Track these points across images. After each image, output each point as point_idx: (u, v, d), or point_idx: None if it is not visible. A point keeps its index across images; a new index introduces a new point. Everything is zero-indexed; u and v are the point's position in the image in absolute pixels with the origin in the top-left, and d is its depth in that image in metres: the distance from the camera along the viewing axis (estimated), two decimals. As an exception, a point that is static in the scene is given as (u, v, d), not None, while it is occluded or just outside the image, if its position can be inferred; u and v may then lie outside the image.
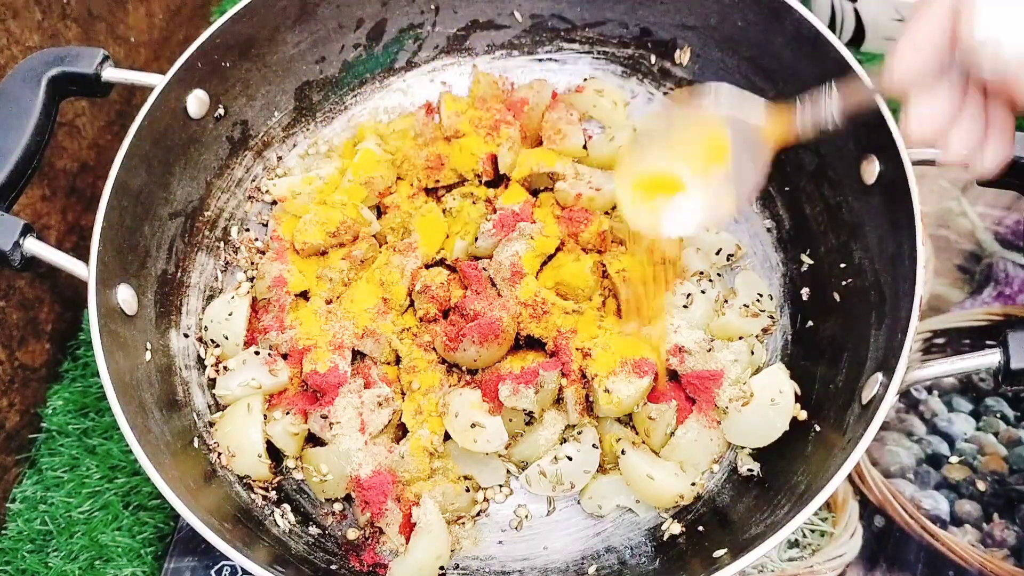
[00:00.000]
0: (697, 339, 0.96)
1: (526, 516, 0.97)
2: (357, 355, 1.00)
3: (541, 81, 1.16)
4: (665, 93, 1.15)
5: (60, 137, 1.12)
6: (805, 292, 1.02)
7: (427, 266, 1.05)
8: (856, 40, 1.32)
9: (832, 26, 1.32)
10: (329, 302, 1.03)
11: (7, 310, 1.05)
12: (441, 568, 0.91)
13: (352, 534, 0.94)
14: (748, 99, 0.78)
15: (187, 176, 1.03)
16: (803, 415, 0.92)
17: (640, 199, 0.82)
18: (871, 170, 0.90)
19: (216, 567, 0.99)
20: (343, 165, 1.13)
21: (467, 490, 0.95)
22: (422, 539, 0.88)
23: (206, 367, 1.01)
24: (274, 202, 1.12)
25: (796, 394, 0.93)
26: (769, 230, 1.09)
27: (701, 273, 1.02)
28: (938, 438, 1.05)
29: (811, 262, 1.02)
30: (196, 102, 1.00)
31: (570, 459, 0.94)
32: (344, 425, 0.92)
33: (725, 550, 0.82)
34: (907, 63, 0.64)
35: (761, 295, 1.03)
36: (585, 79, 1.18)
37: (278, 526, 0.92)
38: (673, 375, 0.96)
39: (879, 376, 0.80)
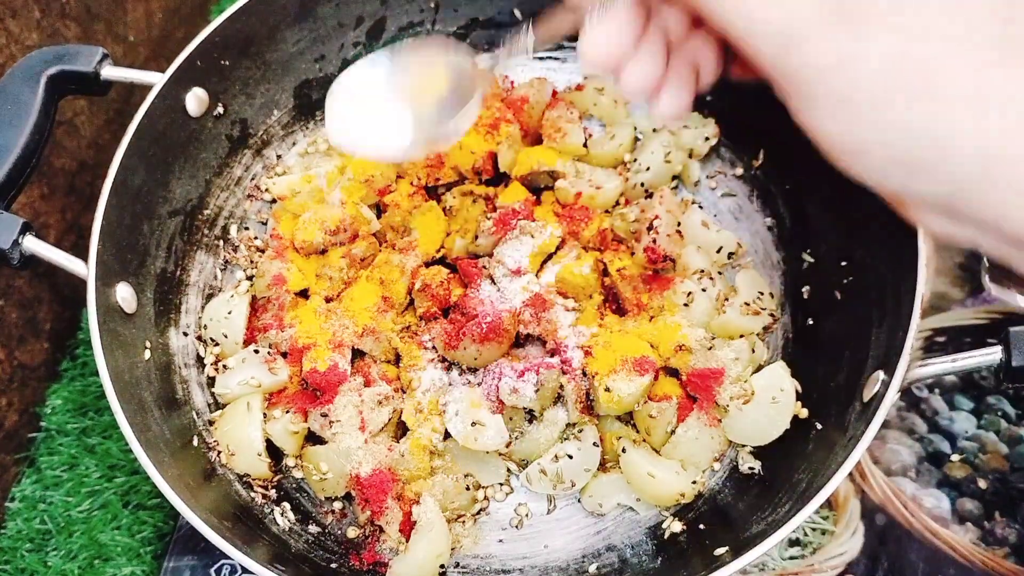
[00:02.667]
0: (698, 337, 0.96)
1: (527, 514, 0.97)
2: (357, 353, 0.99)
3: (541, 79, 1.16)
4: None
5: (59, 135, 1.12)
6: (806, 290, 1.02)
7: (427, 264, 1.05)
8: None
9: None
10: (329, 300, 1.02)
11: (6, 309, 1.05)
12: (441, 566, 0.91)
13: (352, 532, 0.94)
14: (460, 47, 0.83)
15: (186, 174, 1.03)
16: (804, 413, 0.92)
17: (359, 125, 0.85)
18: (872, 168, 0.90)
19: (216, 566, 0.99)
20: (343, 163, 1.12)
21: (467, 488, 0.94)
22: (422, 537, 0.88)
23: (205, 365, 1.01)
24: (273, 200, 1.12)
25: (797, 392, 0.93)
26: (770, 228, 1.08)
27: (702, 271, 1.02)
28: (939, 436, 1.05)
29: (812, 260, 1.02)
30: (195, 100, 1.00)
31: (571, 457, 0.94)
32: (344, 423, 0.91)
33: (726, 548, 0.82)
34: None
35: (762, 293, 1.02)
36: (585, 77, 1.18)
37: (278, 524, 0.92)
38: (674, 373, 0.96)
39: (880, 374, 0.80)
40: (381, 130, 0.83)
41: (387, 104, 0.83)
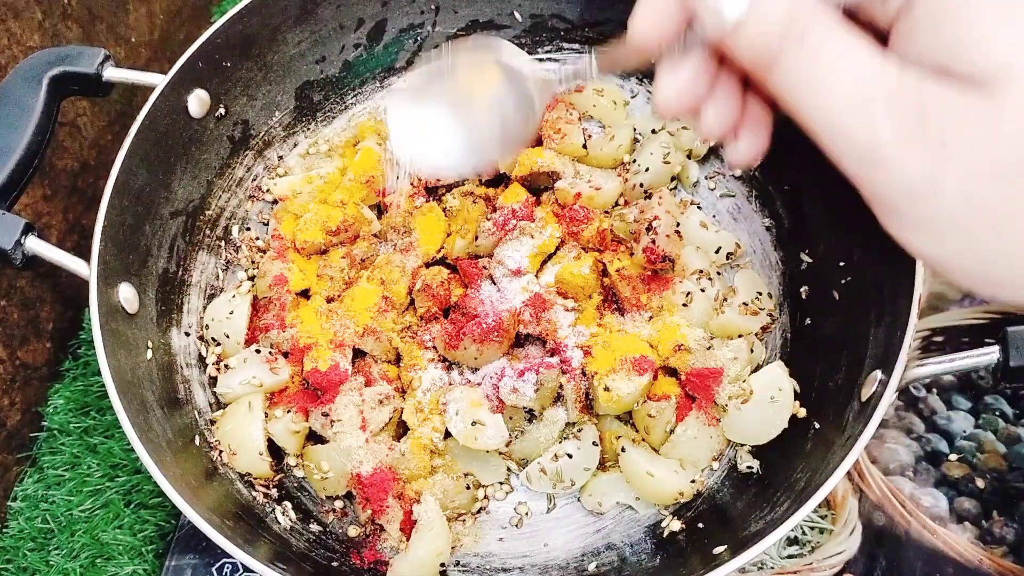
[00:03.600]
0: (697, 337, 0.96)
1: (526, 513, 0.97)
2: (358, 353, 1.00)
3: (541, 80, 1.16)
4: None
5: (61, 137, 1.12)
6: (804, 290, 1.02)
7: (427, 265, 1.05)
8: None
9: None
10: (330, 300, 1.03)
11: (8, 309, 1.05)
12: (442, 565, 0.91)
13: (353, 531, 0.94)
14: (521, 54, 0.79)
15: (188, 175, 1.03)
16: (802, 412, 0.92)
17: (409, 134, 0.82)
18: (870, 168, 0.90)
19: (217, 564, 0.99)
20: (344, 164, 1.13)
21: (468, 487, 0.95)
22: (423, 536, 0.88)
23: (207, 365, 1.01)
24: (275, 201, 1.13)
25: (795, 391, 0.93)
26: (768, 229, 1.09)
27: (701, 271, 1.02)
28: (937, 436, 1.05)
29: (810, 260, 1.03)
30: (197, 102, 1.01)
31: (570, 457, 0.94)
32: (345, 423, 0.92)
33: (725, 547, 0.82)
34: (643, 21, 0.61)
35: (760, 293, 1.03)
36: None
37: (279, 523, 0.92)
38: (673, 372, 0.97)
39: (878, 374, 0.80)
40: (442, 147, 0.80)
41: (447, 119, 0.80)
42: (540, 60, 1.20)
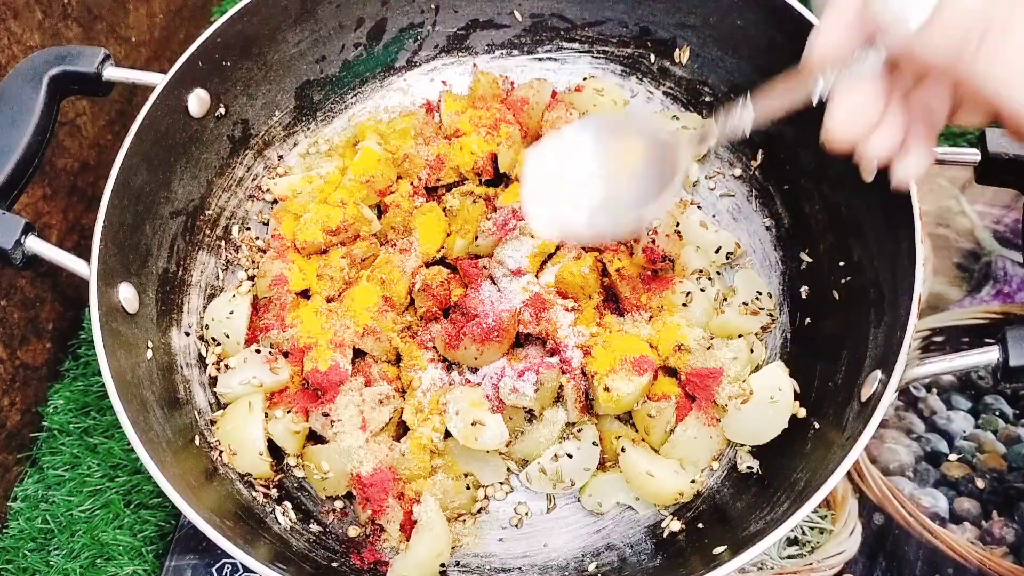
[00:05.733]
0: (697, 337, 0.96)
1: (526, 513, 0.97)
2: (358, 353, 1.00)
3: (541, 80, 1.16)
4: (665, 92, 1.16)
5: (61, 136, 1.12)
6: (804, 290, 1.02)
7: (427, 265, 1.05)
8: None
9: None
10: (330, 300, 1.03)
11: (8, 309, 1.05)
12: (442, 565, 0.91)
13: (353, 531, 0.94)
14: (661, 120, 0.79)
15: (188, 175, 1.03)
16: (802, 413, 0.92)
17: (544, 198, 0.81)
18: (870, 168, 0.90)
19: (217, 565, 1.00)
20: (344, 164, 1.13)
21: (468, 488, 0.95)
22: (423, 536, 0.88)
23: (207, 365, 1.01)
24: (275, 201, 1.13)
25: (795, 391, 0.93)
26: (768, 228, 1.09)
27: (700, 271, 1.02)
28: (937, 436, 1.05)
29: (810, 260, 1.03)
30: (197, 101, 1.00)
31: (570, 457, 0.94)
32: (345, 423, 0.92)
33: (724, 547, 0.82)
34: (826, 37, 0.62)
35: (760, 293, 1.03)
36: (585, 78, 1.18)
37: (279, 524, 0.92)
38: (673, 372, 0.97)
39: (878, 374, 0.80)
40: (577, 211, 0.79)
41: (584, 183, 0.79)
42: (540, 59, 1.20)
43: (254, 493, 0.94)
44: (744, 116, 0.69)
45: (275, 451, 0.97)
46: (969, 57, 0.56)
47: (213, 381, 1.00)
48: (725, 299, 1.02)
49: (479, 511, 0.97)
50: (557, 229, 0.83)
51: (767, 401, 0.91)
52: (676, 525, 0.93)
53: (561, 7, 1.16)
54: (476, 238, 1.04)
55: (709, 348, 0.95)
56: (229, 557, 0.95)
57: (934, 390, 1.08)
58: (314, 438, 0.97)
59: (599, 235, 0.81)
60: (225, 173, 1.10)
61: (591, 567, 0.93)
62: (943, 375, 1.04)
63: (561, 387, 0.96)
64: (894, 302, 0.84)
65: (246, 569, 0.99)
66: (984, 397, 1.07)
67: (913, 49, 0.58)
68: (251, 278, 1.08)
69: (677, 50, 1.12)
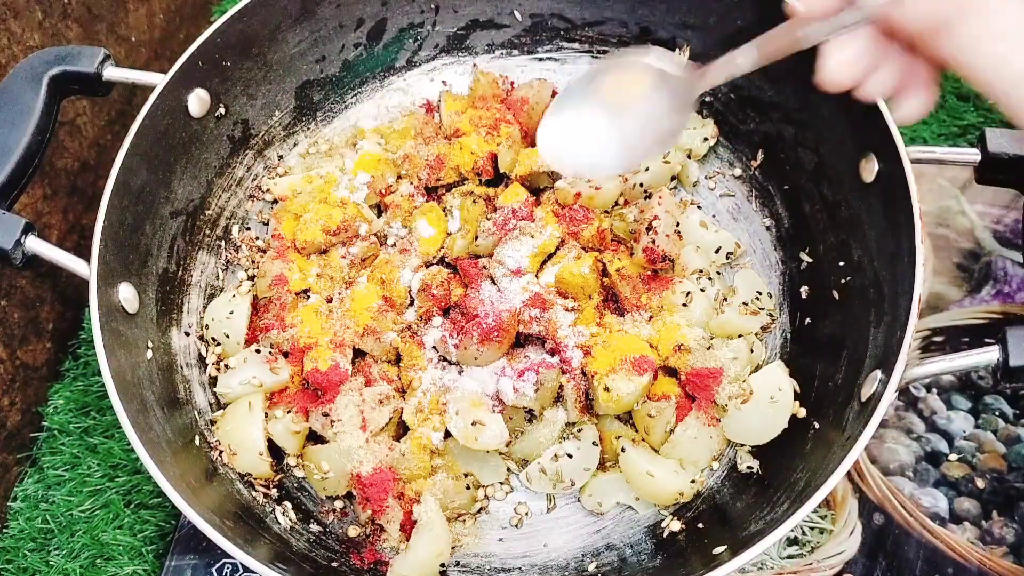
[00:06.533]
0: (697, 337, 0.96)
1: (526, 513, 0.97)
2: (358, 353, 1.00)
3: (541, 80, 1.16)
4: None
5: (61, 136, 1.12)
6: (804, 290, 1.02)
7: (427, 265, 1.05)
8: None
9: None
10: (330, 300, 1.03)
11: (8, 309, 1.05)
12: (442, 565, 0.91)
13: (353, 531, 0.94)
14: (668, 55, 0.82)
15: (188, 175, 1.03)
16: (802, 412, 0.92)
17: (559, 144, 0.85)
18: (870, 168, 0.90)
19: (217, 565, 0.99)
20: (343, 164, 1.13)
21: (468, 488, 0.95)
22: (423, 536, 0.88)
23: (207, 365, 1.01)
24: (275, 201, 1.13)
25: (795, 391, 0.93)
26: (768, 228, 1.09)
27: (700, 271, 1.02)
28: (937, 436, 1.05)
29: (810, 260, 1.03)
30: (197, 101, 1.00)
31: (570, 457, 0.94)
32: (345, 423, 0.92)
33: (724, 547, 0.82)
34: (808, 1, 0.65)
35: (760, 293, 1.03)
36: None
37: (279, 524, 0.92)
38: (673, 372, 0.97)
39: (878, 374, 0.80)
40: (591, 148, 0.82)
41: (596, 121, 0.82)
42: (540, 59, 1.20)
43: (254, 493, 0.94)
44: (747, 56, 0.72)
45: (275, 451, 0.97)
46: (946, 36, 0.59)
47: (213, 381, 1.00)
48: (725, 299, 1.02)
49: (479, 511, 0.97)
50: (570, 164, 0.86)
51: (767, 401, 0.91)
52: (676, 525, 0.93)
53: (561, 7, 1.16)
54: (476, 238, 1.04)
55: (709, 348, 0.95)
56: (229, 557, 0.95)
57: (934, 390, 1.08)
58: (314, 438, 0.97)
59: (610, 169, 0.84)
60: (225, 173, 1.10)
61: (591, 567, 0.93)
62: (943, 375, 1.04)
63: (561, 387, 0.96)
64: (894, 302, 0.84)
65: (246, 569, 0.99)
66: (984, 397, 1.07)
67: (891, 17, 0.61)
68: (251, 278, 1.08)
69: (677, 50, 1.12)
